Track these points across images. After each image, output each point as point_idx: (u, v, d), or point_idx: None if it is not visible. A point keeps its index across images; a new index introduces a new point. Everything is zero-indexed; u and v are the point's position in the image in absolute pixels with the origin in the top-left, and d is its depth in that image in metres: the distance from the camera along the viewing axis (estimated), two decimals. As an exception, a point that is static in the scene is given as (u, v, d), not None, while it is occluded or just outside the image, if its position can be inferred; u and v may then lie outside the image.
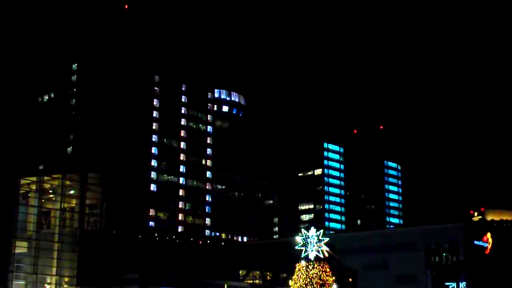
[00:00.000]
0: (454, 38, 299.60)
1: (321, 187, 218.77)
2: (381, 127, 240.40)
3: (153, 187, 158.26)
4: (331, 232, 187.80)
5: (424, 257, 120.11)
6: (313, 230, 68.93)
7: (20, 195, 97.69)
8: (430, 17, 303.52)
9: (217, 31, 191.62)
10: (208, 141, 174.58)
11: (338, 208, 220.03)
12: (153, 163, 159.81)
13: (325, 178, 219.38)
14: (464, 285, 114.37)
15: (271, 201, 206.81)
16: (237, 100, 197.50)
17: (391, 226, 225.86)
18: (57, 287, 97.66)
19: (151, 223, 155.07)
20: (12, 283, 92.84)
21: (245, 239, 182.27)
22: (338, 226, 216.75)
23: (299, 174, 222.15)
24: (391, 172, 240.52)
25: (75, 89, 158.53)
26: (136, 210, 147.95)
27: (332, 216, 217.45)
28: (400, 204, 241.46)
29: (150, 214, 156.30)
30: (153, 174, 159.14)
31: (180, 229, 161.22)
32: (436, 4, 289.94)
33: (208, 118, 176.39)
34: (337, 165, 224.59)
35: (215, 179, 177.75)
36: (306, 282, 66.42)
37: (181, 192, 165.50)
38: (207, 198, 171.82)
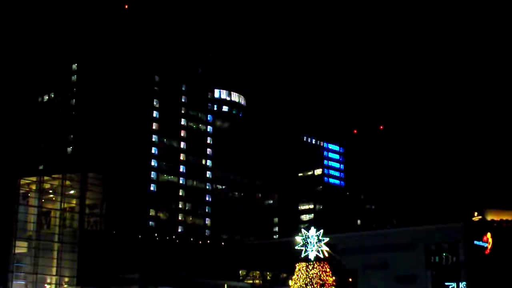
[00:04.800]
0: (454, 38, 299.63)
1: (321, 187, 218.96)
2: (381, 127, 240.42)
3: (153, 187, 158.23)
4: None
5: (424, 257, 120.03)
6: (313, 230, 68.99)
7: (20, 195, 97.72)
8: (430, 17, 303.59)
9: (217, 31, 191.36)
10: (208, 141, 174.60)
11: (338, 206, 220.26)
12: (153, 163, 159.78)
13: (325, 178, 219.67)
14: (464, 285, 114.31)
15: (271, 201, 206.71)
16: (237, 100, 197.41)
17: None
18: (57, 287, 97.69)
19: (151, 223, 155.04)
20: (12, 283, 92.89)
21: (245, 239, 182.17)
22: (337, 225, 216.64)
23: (299, 174, 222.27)
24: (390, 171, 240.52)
25: (75, 89, 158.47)
26: (136, 210, 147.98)
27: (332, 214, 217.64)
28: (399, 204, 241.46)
29: (150, 214, 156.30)
30: (153, 174, 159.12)
31: (180, 229, 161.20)
32: (436, 4, 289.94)
33: (208, 118, 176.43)
34: (337, 165, 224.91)
35: (215, 179, 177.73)
36: (306, 282, 66.51)
37: (181, 192, 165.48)
38: (207, 198, 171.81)
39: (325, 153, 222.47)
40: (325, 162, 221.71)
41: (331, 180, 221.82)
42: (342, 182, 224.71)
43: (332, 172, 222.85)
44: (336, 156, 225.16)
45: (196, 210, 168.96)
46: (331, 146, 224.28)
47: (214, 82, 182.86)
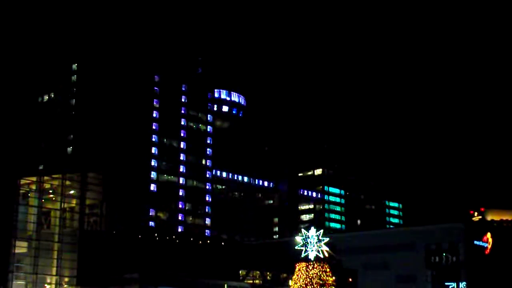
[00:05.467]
0: (454, 38, 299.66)
1: (321, 187, 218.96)
2: (382, 127, 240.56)
3: (153, 187, 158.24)
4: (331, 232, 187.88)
5: (424, 257, 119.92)
6: (313, 230, 68.87)
7: (20, 195, 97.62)
8: (430, 17, 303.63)
9: (217, 31, 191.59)
10: (208, 141, 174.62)
11: (338, 208, 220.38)
12: (153, 163, 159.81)
13: (325, 178, 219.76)
14: (464, 285, 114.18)
15: (271, 201, 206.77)
16: (237, 100, 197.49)
17: (391, 226, 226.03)
18: (57, 287, 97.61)
19: (151, 223, 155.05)
20: (12, 283, 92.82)
21: (245, 239, 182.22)
22: (338, 226, 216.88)
23: (299, 174, 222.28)
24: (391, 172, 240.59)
25: (75, 89, 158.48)
26: (136, 210, 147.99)
27: (332, 216, 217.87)
28: (400, 204, 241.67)
29: (150, 214, 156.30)
30: (153, 174, 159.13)
31: (180, 229, 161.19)
32: (436, 4, 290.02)
33: (208, 118, 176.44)
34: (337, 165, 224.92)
35: (215, 179, 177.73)
36: (306, 282, 66.40)
37: (181, 192, 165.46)
38: (207, 198, 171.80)
39: (324, 153, 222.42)
40: (325, 162, 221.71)
41: (331, 180, 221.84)
42: (342, 182, 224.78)
43: (332, 172, 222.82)
44: (337, 157, 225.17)
45: (196, 210, 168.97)
46: (331, 146, 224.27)
47: (214, 82, 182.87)
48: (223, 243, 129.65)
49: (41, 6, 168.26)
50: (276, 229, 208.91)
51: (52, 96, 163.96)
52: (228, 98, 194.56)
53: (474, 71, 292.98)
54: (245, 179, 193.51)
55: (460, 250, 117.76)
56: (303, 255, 68.05)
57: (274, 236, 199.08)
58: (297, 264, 68.33)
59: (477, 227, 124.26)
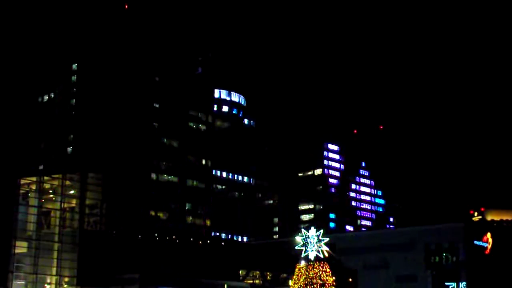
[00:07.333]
0: (454, 38, 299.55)
1: (321, 187, 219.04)
2: (381, 127, 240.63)
3: (153, 187, 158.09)
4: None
5: (424, 257, 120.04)
6: (313, 230, 68.94)
7: (20, 195, 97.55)
8: (430, 17, 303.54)
9: (217, 31, 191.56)
10: (208, 141, 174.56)
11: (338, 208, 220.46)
12: (153, 163, 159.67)
13: (325, 178, 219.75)
14: (464, 285, 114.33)
15: (271, 201, 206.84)
16: (237, 100, 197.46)
17: (391, 226, 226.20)
18: (57, 287, 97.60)
19: (151, 223, 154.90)
20: (12, 283, 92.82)
21: (245, 239, 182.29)
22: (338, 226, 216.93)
23: (299, 174, 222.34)
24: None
25: (75, 89, 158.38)
26: (136, 210, 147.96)
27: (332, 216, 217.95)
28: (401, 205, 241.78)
29: (150, 214, 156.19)
30: (153, 174, 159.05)
31: (180, 229, 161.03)
32: (436, 4, 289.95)
33: (208, 118, 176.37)
34: (337, 165, 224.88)
35: (215, 179, 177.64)
36: (306, 282, 66.50)
37: (181, 192, 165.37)
38: (207, 198, 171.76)
39: (325, 153, 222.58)
40: (325, 162, 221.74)
41: (331, 180, 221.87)
42: (342, 182, 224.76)
43: (332, 172, 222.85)
44: (336, 156, 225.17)
45: (196, 210, 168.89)
46: (330, 146, 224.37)
47: (214, 82, 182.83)
48: (223, 243, 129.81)
49: (41, 6, 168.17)
50: (276, 229, 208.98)
51: (52, 96, 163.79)
52: (228, 98, 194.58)
53: (474, 71, 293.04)
54: (245, 179, 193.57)
55: (460, 250, 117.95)
56: (303, 255, 68.12)
57: (274, 236, 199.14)
58: (297, 264, 68.44)
59: (477, 227, 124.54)
